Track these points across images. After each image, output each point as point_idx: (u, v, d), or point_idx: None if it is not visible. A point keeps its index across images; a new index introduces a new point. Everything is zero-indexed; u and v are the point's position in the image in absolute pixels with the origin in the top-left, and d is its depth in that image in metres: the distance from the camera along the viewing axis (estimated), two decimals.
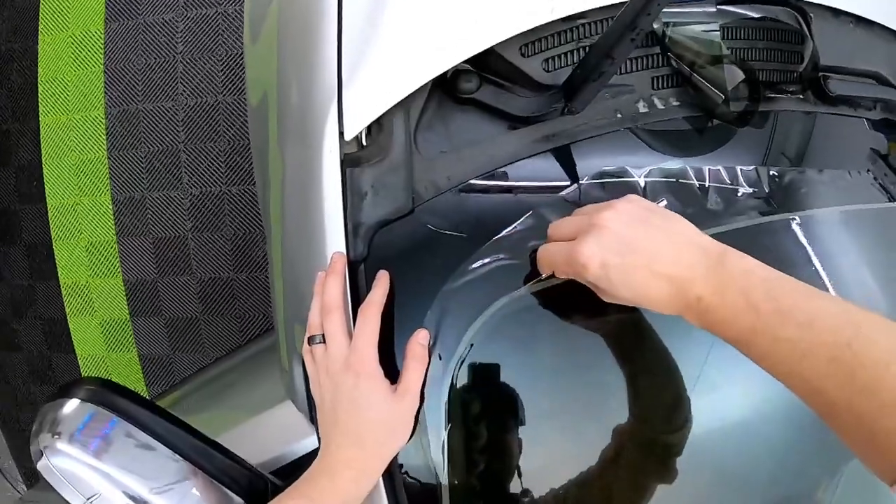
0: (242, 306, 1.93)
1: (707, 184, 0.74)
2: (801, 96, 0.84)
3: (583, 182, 0.69)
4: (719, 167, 0.76)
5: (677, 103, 0.76)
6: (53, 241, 2.08)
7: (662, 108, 0.75)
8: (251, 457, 0.83)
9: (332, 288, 0.63)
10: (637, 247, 0.53)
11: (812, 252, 0.78)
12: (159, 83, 1.87)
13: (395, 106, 0.65)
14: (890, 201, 0.89)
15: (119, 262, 2.00)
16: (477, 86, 0.66)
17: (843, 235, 0.83)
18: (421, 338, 0.62)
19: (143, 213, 1.94)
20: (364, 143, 0.67)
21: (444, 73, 0.66)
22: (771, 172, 0.79)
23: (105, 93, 1.91)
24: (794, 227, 0.78)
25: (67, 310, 2.14)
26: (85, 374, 2.18)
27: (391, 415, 0.60)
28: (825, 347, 0.46)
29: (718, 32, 0.76)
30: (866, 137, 0.93)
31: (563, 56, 0.70)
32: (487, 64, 0.68)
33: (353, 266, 0.67)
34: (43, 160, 2.02)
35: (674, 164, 0.74)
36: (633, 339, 0.70)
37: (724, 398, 0.73)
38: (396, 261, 0.67)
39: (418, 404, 0.62)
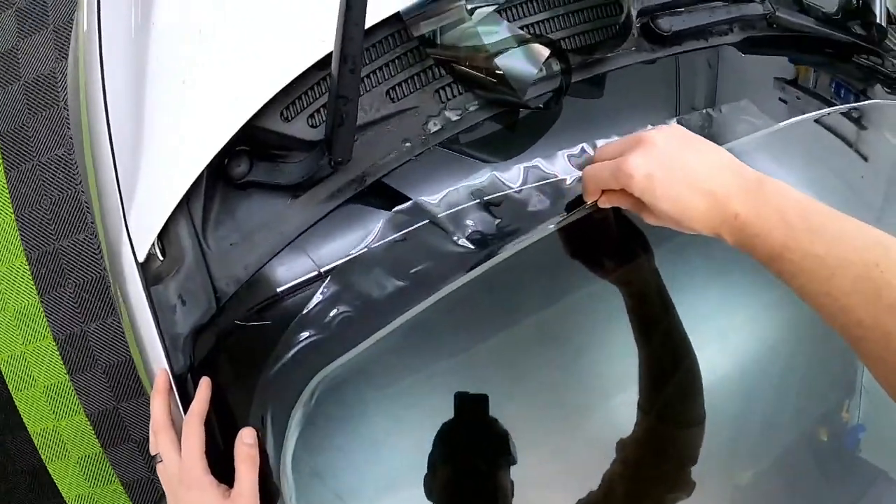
0: None
1: (519, 187, 0.70)
2: (633, 47, 0.78)
3: (376, 243, 0.66)
4: (536, 162, 0.71)
5: (475, 107, 0.71)
6: (12, 393, 2.08)
7: (458, 118, 0.70)
8: None
9: (156, 408, 0.64)
10: (681, 163, 0.55)
11: None
12: (68, 217, 1.89)
13: (175, 214, 0.65)
14: None
15: (77, 398, 2.00)
16: (248, 167, 0.65)
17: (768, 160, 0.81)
18: (246, 437, 0.61)
19: (86, 346, 1.94)
20: (160, 258, 0.67)
21: (221, 165, 0.66)
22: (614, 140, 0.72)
23: (22, 239, 1.93)
24: None
25: (43, 457, 2.12)
26: None
27: None
28: (853, 266, 0.47)
29: (499, 16, 0.69)
30: (771, 68, 0.91)
31: (325, 108, 0.67)
32: (257, 140, 0.66)
33: (181, 378, 0.67)
34: None
35: (478, 177, 0.69)
36: (650, 314, 0.71)
37: (725, 347, 0.74)
38: (221, 363, 0.67)
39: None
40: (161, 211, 0.65)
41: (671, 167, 0.55)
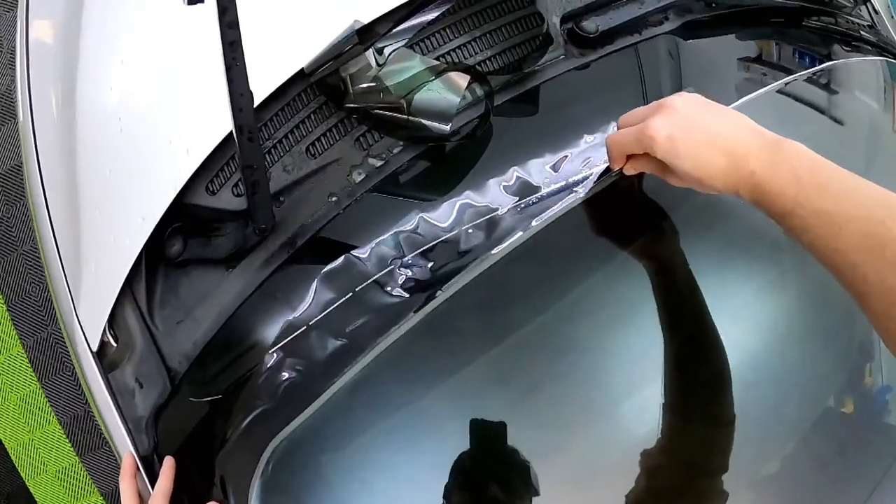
0: None
1: (449, 225, 0.67)
2: (561, 55, 0.75)
3: (313, 307, 0.64)
4: (466, 196, 0.68)
5: (399, 149, 0.69)
6: (26, 481, 2.09)
7: (382, 163, 0.68)
8: None
9: (123, 493, 0.66)
10: (700, 125, 0.57)
11: None
12: None
13: (120, 300, 0.67)
14: None
15: (90, 479, 2.01)
16: (183, 245, 0.66)
17: None
18: None
19: (91, 426, 1.95)
20: (114, 344, 0.69)
21: (161, 245, 0.68)
22: (546, 165, 0.71)
23: (15, 328, 1.95)
24: None
25: None
26: None
27: None
28: (861, 222, 0.49)
29: (411, 52, 0.68)
30: (736, 48, 0.86)
31: None
32: (189, 216, 0.67)
33: (147, 459, 0.68)
34: None
35: (406, 221, 0.66)
36: (678, 290, 0.72)
37: (735, 335, 0.72)
38: (182, 441, 0.68)
39: None
40: (106, 299, 0.67)
41: (692, 128, 0.57)
